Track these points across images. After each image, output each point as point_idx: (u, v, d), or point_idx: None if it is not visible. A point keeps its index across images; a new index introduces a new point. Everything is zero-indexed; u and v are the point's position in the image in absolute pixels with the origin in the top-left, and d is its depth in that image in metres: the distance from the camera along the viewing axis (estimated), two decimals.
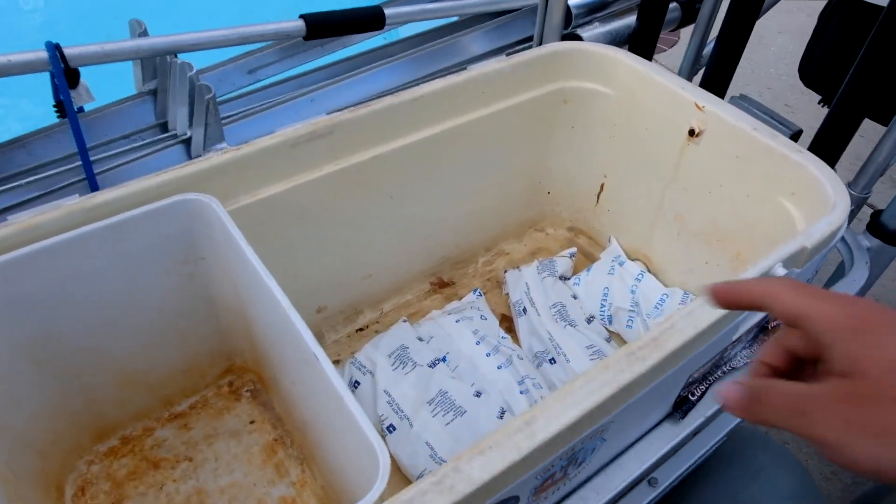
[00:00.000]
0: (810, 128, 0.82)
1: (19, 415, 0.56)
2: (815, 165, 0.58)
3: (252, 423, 0.69)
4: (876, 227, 0.81)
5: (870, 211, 0.86)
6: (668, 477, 0.60)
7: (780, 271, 0.48)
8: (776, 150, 0.60)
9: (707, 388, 0.60)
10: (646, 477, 0.56)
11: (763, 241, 0.64)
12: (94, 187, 0.61)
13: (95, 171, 0.62)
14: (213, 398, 0.71)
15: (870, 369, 0.24)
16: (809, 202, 0.58)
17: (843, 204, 0.54)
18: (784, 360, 0.30)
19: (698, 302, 0.45)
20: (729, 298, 0.31)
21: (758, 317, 0.54)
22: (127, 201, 0.54)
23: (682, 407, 0.59)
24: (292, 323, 0.46)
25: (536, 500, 0.45)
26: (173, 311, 0.63)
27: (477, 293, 0.82)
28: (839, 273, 0.80)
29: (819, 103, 1.06)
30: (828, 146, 0.76)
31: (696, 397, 0.60)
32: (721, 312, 0.44)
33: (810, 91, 1.06)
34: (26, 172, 0.62)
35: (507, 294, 0.82)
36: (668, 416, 0.59)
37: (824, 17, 0.99)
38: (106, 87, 0.69)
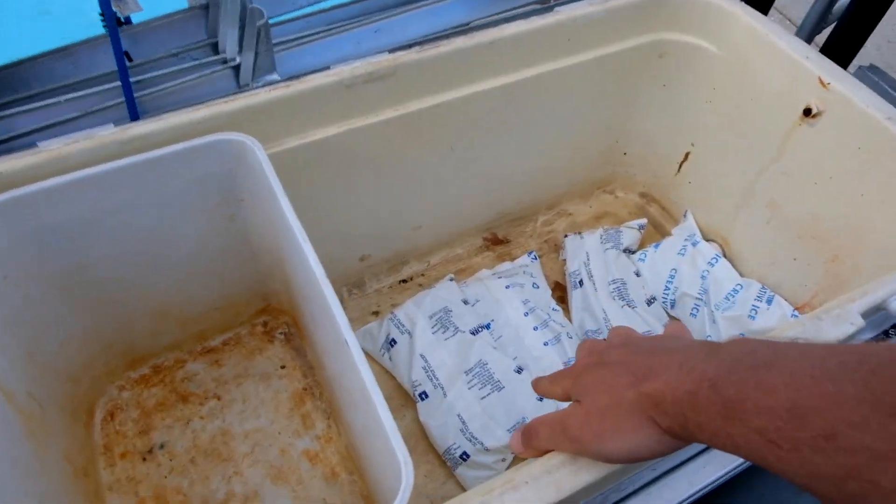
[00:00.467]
0: None
1: (49, 342, 0.55)
2: None
3: (283, 367, 0.67)
4: None
5: None
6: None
7: None
8: None
9: None
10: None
11: (871, 250, 0.56)
12: (133, 111, 0.57)
13: (139, 92, 0.58)
14: (246, 337, 0.69)
15: (582, 396, 0.35)
16: None
17: None
18: None
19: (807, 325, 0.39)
20: (540, 392, 0.42)
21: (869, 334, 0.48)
22: (164, 136, 0.49)
23: None
24: (325, 298, 0.42)
25: None
26: (210, 249, 0.59)
27: (532, 256, 0.76)
28: None
29: None
30: None
31: None
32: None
33: None
34: (66, 87, 0.58)
35: (564, 260, 0.76)
36: None
37: None
38: None
